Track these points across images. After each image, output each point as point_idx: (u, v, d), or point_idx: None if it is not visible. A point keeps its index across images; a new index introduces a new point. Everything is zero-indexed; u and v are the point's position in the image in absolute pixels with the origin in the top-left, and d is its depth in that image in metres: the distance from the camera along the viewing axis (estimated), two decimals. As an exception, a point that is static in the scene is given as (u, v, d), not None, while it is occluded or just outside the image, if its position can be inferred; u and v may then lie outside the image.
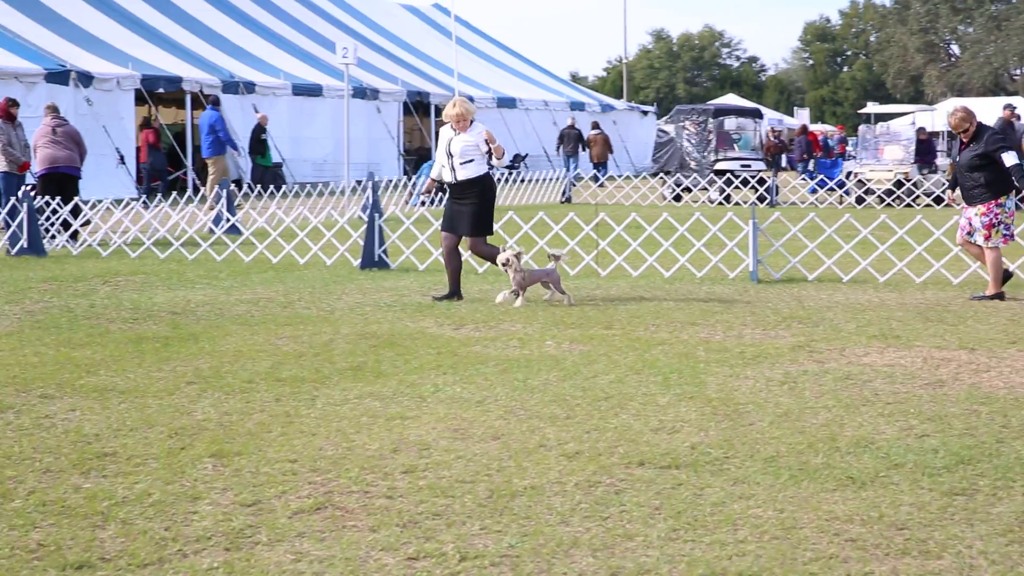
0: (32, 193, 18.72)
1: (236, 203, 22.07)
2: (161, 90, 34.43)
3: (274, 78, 38.36)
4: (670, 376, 9.50)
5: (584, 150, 43.34)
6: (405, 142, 45.63)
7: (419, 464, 7.02)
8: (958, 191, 14.14)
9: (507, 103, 48.47)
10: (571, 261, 16.38)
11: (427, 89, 45.44)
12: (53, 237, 19.30)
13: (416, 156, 44.58)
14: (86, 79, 31.48)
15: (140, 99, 33.97)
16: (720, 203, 31.76)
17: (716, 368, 9.86)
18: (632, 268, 16.07)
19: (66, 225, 19.42)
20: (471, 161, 13.47)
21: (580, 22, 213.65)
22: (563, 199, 33.04)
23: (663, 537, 5.77)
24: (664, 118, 40.34)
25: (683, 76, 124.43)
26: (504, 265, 13.32)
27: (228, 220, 20.41)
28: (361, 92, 40.25)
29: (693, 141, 34.43)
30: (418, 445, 7.45)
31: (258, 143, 32.26)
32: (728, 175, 33.11)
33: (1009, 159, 13.69)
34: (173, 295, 14.00)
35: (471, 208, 13.58)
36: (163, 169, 33.13)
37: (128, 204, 20.46)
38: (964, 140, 13.88)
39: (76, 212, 19.48)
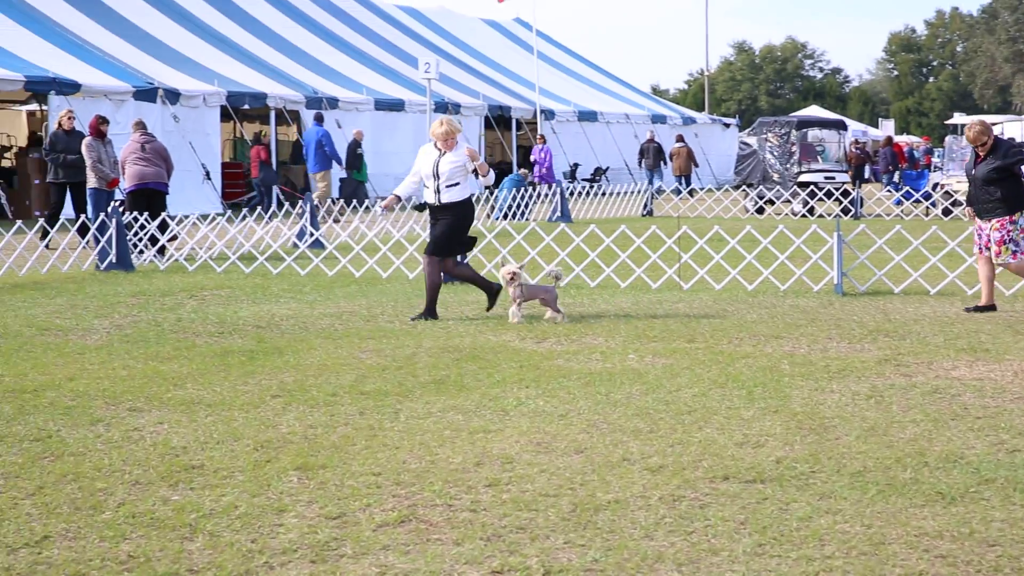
0: (121, 209, 18.99)
1: (345, 217, 22.34)
2: (246, 106, 34.83)
3: (357, 93, 38.65)
4: (754, 390, 9.43)
5: (665, 164, 43.19)
6: (486, 156, 45.76)
7: (502, 478, 7.03)
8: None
9: (588, 116, 48.44)
10: (653, 274, 16.32)
11: (508, 103, 45.55)
12: (141, 252, 19.57)
13: (497, 170, 44.67)
14: (173, 96, 31.92)
15: (225, 115, 34.39)
16: (803, 216, 31.50)
17: (801, 382, 9.77)
18: (715, 281, 15.98)
19: (153, 240, 19.69)
20: (457, 184, 13.15)
21: (661, 35, 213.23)
22: (644, 212, 32.96)
23: (749, 552, 5.73)
24: (747, 130, 40.11)
25: (765, 88, 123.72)
26: (511, 278, 13.01)
27: (312, 235, 20.58)
28: (443, 107, 40.44)
29: (776, 153, 34.18)
30: (501, 459, 7.45)
31: (354, 157, 32.58)
32: (811, 187, 32.84)
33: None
34: (258, 309, 14.13)
35: (442, 228, 13.18)
36: (274, 184, 33.42)
37: (214, 219, 20.70)
38: (981, 154, 13.65)
39: (163, 227, 19.75)
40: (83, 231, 19.82)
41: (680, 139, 44.07)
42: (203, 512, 6.36)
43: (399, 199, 13.58)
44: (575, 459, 7.45)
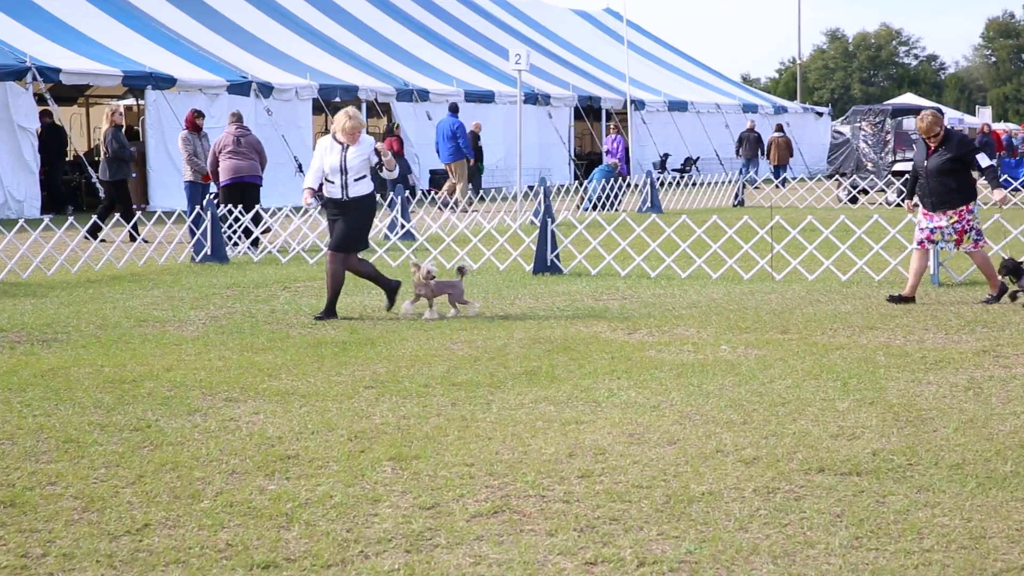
0: (215, 202, 19.22)
1: (472, 207, 22.39)
2: (337, 99, 35.07)
3: (447, 85, 38.77)
4: (849, 381, 9.33)
5: (763, 153, 42.84)
6: (576, 147, 45.70)
7: (595, 469, 7.02)
8: (917, 198, 13.92)
9: (678, 106, 48.17)
10: (745, 264, 16.21)
11: (598, 94, 45.44)
12: (235, 244, 19.80)
13: (587, 161, 44.61)
14: (266, 90, 32.25)
15: (317, 108, 34.67)
16: (898, 205, 31.08)
17: (897, 373, 9.64)
18: (808, 272, 15.82)
19: (247, 232, 19.92)
20: (363, 178, 12.85)
21: (752, 23, 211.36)
22: (736, 202, 32.72)
23: (845, 545, 5.67)
24: (840, 119, 39.64)
25: (859, 76, 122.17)
26: (427, 278, 12.81)
27: (403, 226, 20.69)
28: (532, 98, 40.44)
29: (870, 142, 33.74)
30: (594, 450, 7.44)
31: (475, 149, 32.89)
32: (906, 176, 32.36)
33: (984, 160, 13.64)
34: (350, 300, 14.23)
35: (349, 223, 12.85)
36: (408, 174, 33.67)
37: (306, 211, 20.89)
38: (932, 145, 13.53)
39: (257, 220, 19.97)
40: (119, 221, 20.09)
41: (779, 128, 43.73)
42: (299, 501, 6.42)
43: (315, 192, 13.01)
44: (668, 450, 7.43)
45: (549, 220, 16.80)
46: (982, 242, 13.68)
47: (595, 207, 28.87)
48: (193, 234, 18.78)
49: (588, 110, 44.47)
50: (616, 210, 28.94)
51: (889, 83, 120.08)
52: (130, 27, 32.36)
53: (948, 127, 13.76)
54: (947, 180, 13.38)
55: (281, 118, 32.52)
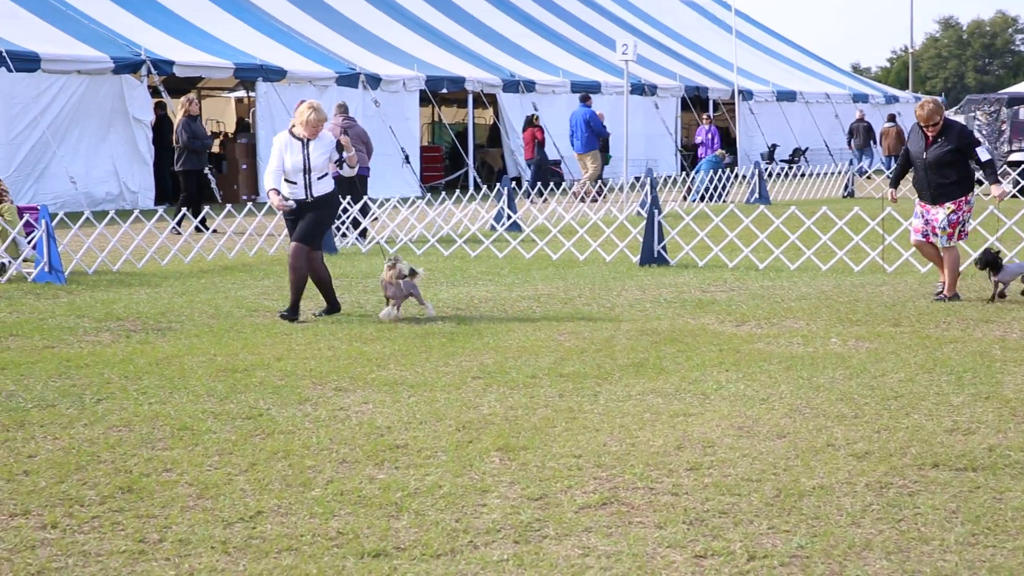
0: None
1: (594, 197, 22.30)
2: (444, 90, 35.24)
3: (554, 76, 38.74)
4: (963, 375, 9.17)
5: (875, 143, 42.25)
6: (683, 137, 45.42)
7: (704, 461, 6.98)
8: (902, 188, 13.74)
9: (787, 96, 47.64)
10: (855, 256, 15.99)
11: (705, 84, 45.10)
12: (344, 235, 19.98)
13: (694, 152, 44.31)
14: (374, 81, 32.49)
15: (424, 99, 34.86)
16: (1014, 196, 30.46)
17: (1014, 367, 9.45)
18: (920, 264, 15.57)
19: (356, 223, 20.09)
20: (325, 176, 12.25)
21: (862, 11, 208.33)
22: (846, 193, 32.29)
23: (961, 542, 5.57)
24: (953, 108, 38.94)
25: (973, 64, 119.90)
26: (399, 277, 12.12)
27: (509, 217, 20.74)
28: (639, 88, 40.27)
29: (984, 132, 33.11)
30: (702, 442, 7.40)
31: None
32: (1023, 167, 31.71)
33: (984, 154, 13.18)
34: (457, 291, 14.30)
35: (313, 217, 12.22)
36: (547, 165, 33.86)
37: (413, 202, 21.02)
38: (931, 135, 13.03)
39: (365, 211, 20.13)
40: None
41: (891, 119, 43.06)
42: (408, 491, 6.47)
43: (279, 193, 12.14)
44: (778, 444, 7.36)
45: (656, 211, 16.73)
46: (962, 239, 13.31)
47: (702, 198, 28.68)
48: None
49: (695, 100, 44.16)
50: (724, 201, 28.72)
51: (1004, 71, 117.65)
52: (241, 19, 32.78)
53: (947, 118, 13.27)
54: (948, 172, 12.95)
55: (389, 109, 32.73)
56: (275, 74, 30.03)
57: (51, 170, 25.84)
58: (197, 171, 22.36)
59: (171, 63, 27.92)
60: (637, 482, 6.60)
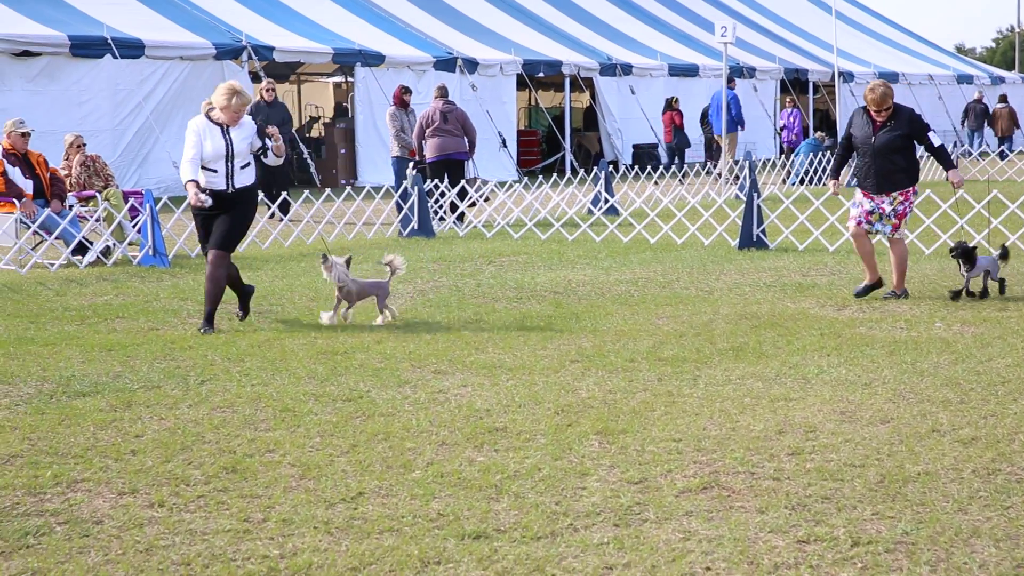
0: (418, 173, 19.44)
1: (689, 179, 22.11)
2: (541, 74, 35.19)
3: (651, 59, 38.52)
4: (1073, 361, 8.98)
5: (990, 125, 41.55)
6: (781, 120, 44.91)
7: (805, 446, 6.91)
8: (844, 176, 12.68)
9: (889, 78, 46.80)
10: (960, 240, 15.69)
11: (805, 66, 44.56)
12: (442, 219, 20.07)
13: (793, 136, 43.78)
14: (471, 65, 32.54)
15: (521, 83, 34.85)
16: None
17: (1125, 353, 9.25)
18: (1027, 247, 15.26)
19: (453, 207, 20.16)
20: (248, 165, 11.02)
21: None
22: (949, 176, 31.70)
23: (1071, 531, 5.46)
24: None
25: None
26: (339, 282, 11.06)
27: (606, 201, 20.67)
28: (738, 71, 39.89)
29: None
30: (804, 427, 7.33)
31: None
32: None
33: (936, 139, 12.27)
34: (554, 275, 14.29)
35: (235, 216, 10.92)
36: (686, 148, 34.12)
37: (511, 186, 21.03)
38: (880, 119, 12.04)
39: (462, 195, 20.19)
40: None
41: (1003, 99, 42.33)
42: (507, 473, 6.48)
43: (199, 185, 10.79)
44: (881, 429, 7.26)
45: (755, 194, 16.58)
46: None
47: (801, 181, 28.37)
48: (400, 209, 19.09)
49: (794, 83, 43.65)
50: (824, 184, 28.38)
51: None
52: (341, 5, 32.99)
53: (896, 102, 12.35)
54: (897, 158, 12.00)
55: (486, 93, 32.78)
56: (374, 59, 30.20)
57: (155, 155, 26.24)
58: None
59: (271, 48, 28.20)
60: (738, 467, 6.56)
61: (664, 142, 34.60)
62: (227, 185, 10.81)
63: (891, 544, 5.36)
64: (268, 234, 17.79)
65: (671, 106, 33.77)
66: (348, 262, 11.13)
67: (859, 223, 12.21)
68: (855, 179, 12.40)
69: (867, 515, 5.74)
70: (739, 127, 30.31)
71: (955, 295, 12.03)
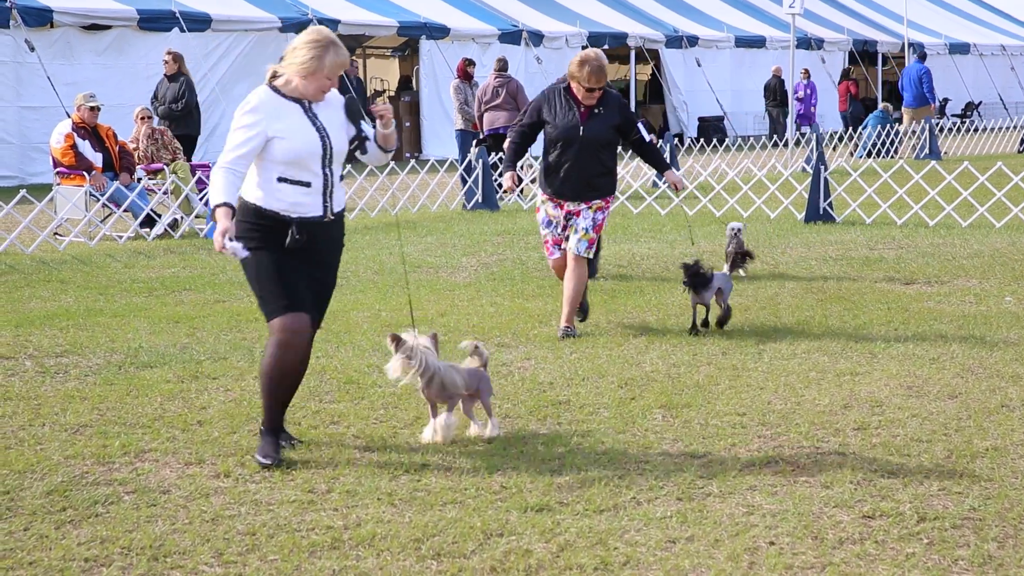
0: (485, 147, 19.43)
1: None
2: (606, 46, 35.00)
3: (717, 31, 38.22)
4: None
5: None
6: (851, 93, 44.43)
7: (871, 421, 6.85)
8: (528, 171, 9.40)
9: (960, 49, 46.25)
10: (1031, 213, 15.48)
11: (873, 37, 44.02)
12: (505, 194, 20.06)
13: (863, 107, 43.35)
14: (536, 38, 32.45)
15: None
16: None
17: None
18: (1100, 220, 15.03)
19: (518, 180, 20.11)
20: (344, 173, 6.76)
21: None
22: (1021, 148, 31.28)
23: None
24: None
25: None
26: (426, 373, 6.60)
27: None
28: (805, 43, 39.48)
29: None
30: (870, 402, 7.27)
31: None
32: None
33: (645, 132, 10.32)
34: (619, 248, 14.24)
35: (329, 266, 6.56)
36: (860, 117, 34.59)
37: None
38: (588, 104, 9.15)
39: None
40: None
41: None
42: (570, 447, 6.48)
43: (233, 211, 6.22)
44: (949, 404, 7.19)
45: (822, 167, 16.42)
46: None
47: (869, 154, 28.06)
48: (464, 182, 19.10)
49: (863, 54, 43.16)
50: (892, 157, 28.08)
51: None
52: (405, -23, 33.01)
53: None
54: (605, 156, 9.30)
55: (551, 66, 32.65)
56: (438, 32, 30.19)
57: (221, 128, 26.38)
58: None
59: (336, 22, 28.24)
60: (803, 441, 6.51)
61: (839, 111, 35.83)
62: (324, 210, 6.39)
63: (958, 520, 5.30)
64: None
65: (848, 76, 34.44)
66: (435, 340, 6.76)
67: (557, 246, 9.47)
68: (544, 183, 9.39)
69: (934, 491, 5.69)
70: (932, 102, 30.75)
71: (692, 330, 9.34)
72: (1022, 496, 5.56)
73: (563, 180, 9.25)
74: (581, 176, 9.24)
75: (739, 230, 12.44)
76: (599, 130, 9.21)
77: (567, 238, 9.35)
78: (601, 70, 9.00)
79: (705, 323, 9.48)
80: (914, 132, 29.83)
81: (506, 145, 9.72)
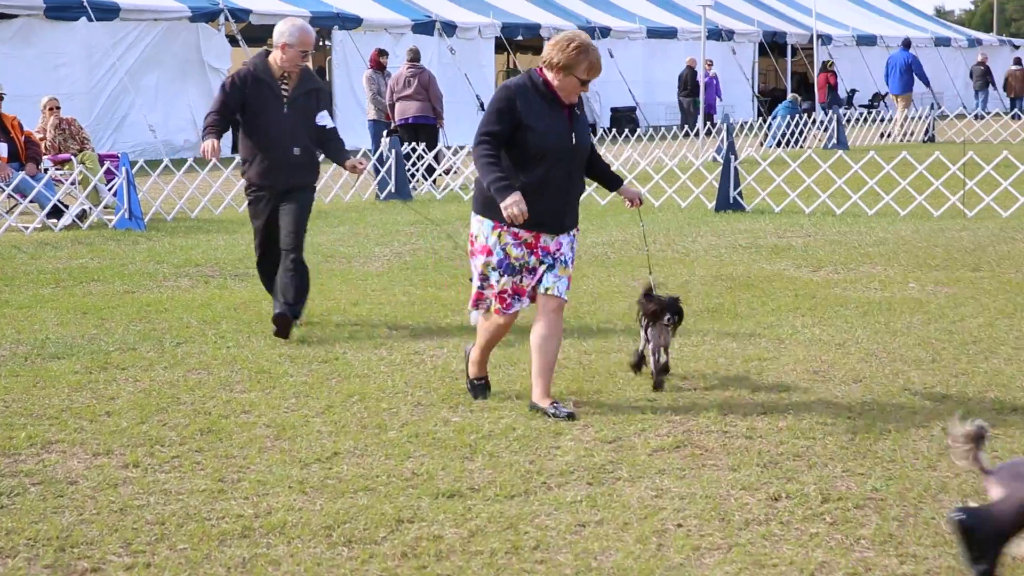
0: (397, 140, 19.37)
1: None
2: (519, 37, 35.10)
3: (629, 23, 38.44)
4: (1045, 320, 9.05)
5: (993, 86, 41.98)
6: (760, 83, 44.92)
7: (778, 406, 6.96)
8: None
9: (867, 41, 46.90)
10: (935, 201, 15.77)
11: (783, 29, 44.52)
12: (418, 183, 20.01)
13: (770, 97, 43.82)
14: (449, 29, 32.43)
15: (499, 47, 34.75)
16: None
17: (1096, 313, 9.32)
18: (1002, 208, 15.33)
19: (430, 171, 20.11)
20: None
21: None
22: (926, 138, 31.79)
23: (1038, 486, 5.52)
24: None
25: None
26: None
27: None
28: (716, 34, 39.83)
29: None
30: (777, 387, 7.37)
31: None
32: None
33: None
34: (532, 237, 14.28)
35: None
36: (840, 107, 34.76)
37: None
38: (571, 103, 7.01)
39: (437, 159, 20.13)
40: None
41: (1017, 61, 42.71)
42: (482, 433, 6.51)
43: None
44: (853, 388, 7.32)
45: (732, 157, 16.59)
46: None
47: (779, 144, 28.39)
48: (377, 172, 19.05)
49: (772, 46, 43.63)
50: (801, 147, 28.43)
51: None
52: (316, -32, 32.82)
53: None
54: (591, 167, 7.35)
55: (464, 57, 32.68)
56: (351, 22, 30.06)
57: (130, 118, 26.11)
58: None
59: (248, 11, 28.04)
60: (711, 425, 6.60)
61: (819, 102, 36.48)
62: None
63: (861, 500, 5.41)
64: (244, 198, 17.72)
65: (826, 67, 35.44)
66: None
67: (517, 295, 7.06)
68: (484, 209, 7.01)
69: (838, 472, 5.79)
70: (914, 88, 32.06)
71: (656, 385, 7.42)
72: (922, 477, 5.69)
73: (546, 205, 6.89)
74: (569, 199, 7.07)
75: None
76: (586, 136, 7.12)
77: (538, 281, 6.99)
78: (600, 60, 7.12)
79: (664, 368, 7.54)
80: (907, 118, 31.38)
81: (481, 162, 6.84)
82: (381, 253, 13.17)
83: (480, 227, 6.99)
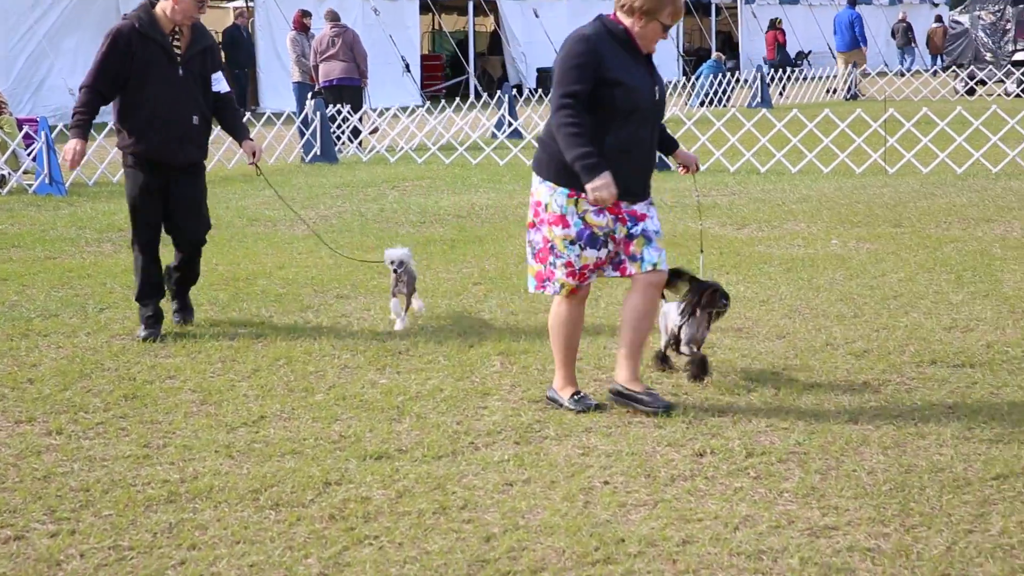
0: (322, 102, 19.25)
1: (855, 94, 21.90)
2: (446, -1, 34.94)
3: (554, -18, 38.34)
4: (963, 274, 9.19)
5: (915, 43, 42.66)
6: (685, 43, 45.02)
7: (703, 362, 7.00)
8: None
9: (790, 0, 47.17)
10: (857, 159, 15.93)
11: (707, -12, 44.63)
12: (343, 145, 19.90)
13: (696, 57, 43.95)
14: (373, -10, 32.17)
15: (424, 8, 34.54)
16: (1017, 95, 30.25)
17: (1014, 265, 9.47)
18: (922, 165, 15.53)
19: (356, 133, 20.00)
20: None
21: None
22: (848, 96, 32.07)
23: (957, 436, 5.63)
24: (957, 8, 38.60)
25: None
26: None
27: (510, 124, 20.63)
28: (640, -7, 39.83)
29: (988, 32, 32.82)
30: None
31: None
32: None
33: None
34: (458, 199, 14.28)
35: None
36: (790, 65, 35.37)
37: (413, 111, 20.90)
38: (650, 52, 6.34)
39: (362, 120, 20.02)
40: None
41: (938, 19, 43.37)
42: (410, 395, 6.51)
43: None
44: (777, 344, 7.40)
45: (657, 116, 16.62)
46: None
47: (703, 103, 28.52)
48: (302, 135, 18.92)
49: (697, 5, 43.73)
50: (725, 106, 28.57)
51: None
52: (237, -72, 32.41)
53: None
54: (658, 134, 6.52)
55: (388, 18, 32.44)
56: (269, -17, 29.73)
57: (49, 82, 25.69)
58: None
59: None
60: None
61: (767, 59, 36.91)
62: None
63: (784, 454, 5.48)
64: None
65: (774, 26, 36.79)
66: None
67: (599, 268, 6.33)
68: (559, 178, 6.18)
69: (762, 427, 5.86)
70: (862, 45, 32.35)
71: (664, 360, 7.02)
72: (844, 430, 5.77)
73: (633, 169, 6.19)
74: (650, 160, 6.41)
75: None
76: (664, 89, 6.42)
77: (631, 255, 6.30)
78: (683, 3, 6.31)
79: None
80: (849, 74, 31.84)
81: (563, 131, 6.01)
82: (307, 216, 13.09)
83: (552, 195, 6.14)
